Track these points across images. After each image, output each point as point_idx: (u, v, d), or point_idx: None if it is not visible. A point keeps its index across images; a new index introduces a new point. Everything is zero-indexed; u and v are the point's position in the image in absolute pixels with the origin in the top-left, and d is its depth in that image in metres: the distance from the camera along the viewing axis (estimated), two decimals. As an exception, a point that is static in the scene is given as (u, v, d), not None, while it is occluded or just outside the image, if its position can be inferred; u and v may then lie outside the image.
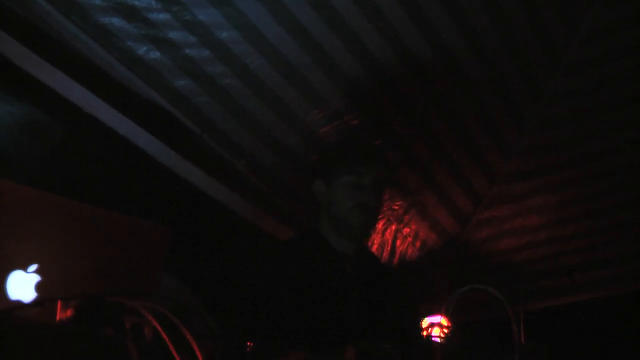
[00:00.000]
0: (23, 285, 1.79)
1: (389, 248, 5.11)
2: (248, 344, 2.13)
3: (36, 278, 1.81)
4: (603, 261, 5.43)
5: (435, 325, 3.90)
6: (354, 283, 2.57)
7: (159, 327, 1.64)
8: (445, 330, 2.54)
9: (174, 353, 1.61)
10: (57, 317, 1.67)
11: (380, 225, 4.91)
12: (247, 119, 3.80)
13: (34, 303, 1.75)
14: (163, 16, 3.20)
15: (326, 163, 2.73)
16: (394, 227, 4.99)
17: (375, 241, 5.00)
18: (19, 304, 1.75)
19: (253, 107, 3.75)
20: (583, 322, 5.84)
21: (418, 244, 5.25)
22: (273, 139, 3.96)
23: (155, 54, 3.36)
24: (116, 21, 3.17)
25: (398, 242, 5.13)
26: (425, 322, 4.68)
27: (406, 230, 5.07)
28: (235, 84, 3.61)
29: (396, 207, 4.82)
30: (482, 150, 4.67)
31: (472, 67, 4.03)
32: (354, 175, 2.60)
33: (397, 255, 5.20)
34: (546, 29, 3.98)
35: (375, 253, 5.08)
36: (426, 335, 3.24)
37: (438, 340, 2.73)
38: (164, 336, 1.62)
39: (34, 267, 1.82)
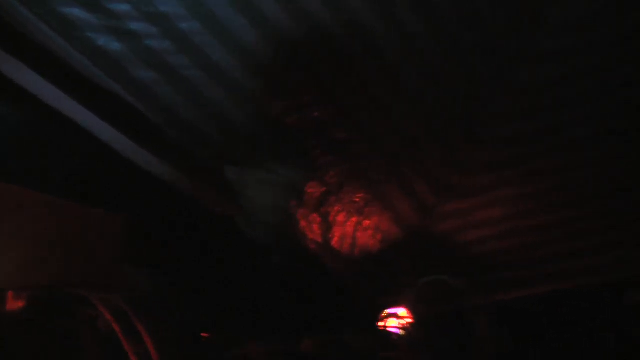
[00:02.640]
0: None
1: (349, 241, 5.12)
2: (203, 335, 2.13)
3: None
4: (569, 253, 5.49)
5: (393, 317, 3.93)
6: (274, 272, 2.54)
7: (112, 319, 1.63)
8: (404, 322, 2.54)
9: (126, 345, 1.61)
10: (7, 307, 1.66)
11: (341, 218, 4.92)
12: (210, 110, 3.78)
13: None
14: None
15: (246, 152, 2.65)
16: (354, 219, 4.99)
17: (336, 234, 5.01)
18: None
19: (215, 98, 3.73)
20: (548, 314, 5.89)
21: (380, 236, 5.27)
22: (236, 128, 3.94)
23: (116, 45, 3.34)
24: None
25: (359, 234, 5.14)
26: (386, 313, 4.71)
27: (367, 222, 5.08)
28: (197, 75, 3.60)
29: (357, 200, 4.83)
30: (448, 140, 4.69)
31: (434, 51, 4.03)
32: (277, 173, 2.57)
33: (358, 248, 5.22)
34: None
35: (336, 245, 5.09)
36: (384, 327, 3.26)
37: (396, 331, 2.74)
38: (117, 328, 1.61)
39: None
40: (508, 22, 3.95)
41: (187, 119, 3.78)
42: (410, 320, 4.49)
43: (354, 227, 5.08)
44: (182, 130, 3.83)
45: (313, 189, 4.58)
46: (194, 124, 3.83)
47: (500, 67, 4.32)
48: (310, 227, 4.86)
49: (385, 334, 2.76)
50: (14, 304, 1.62)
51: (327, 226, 4.95)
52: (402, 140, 4.51)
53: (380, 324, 4.57)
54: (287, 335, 2.15)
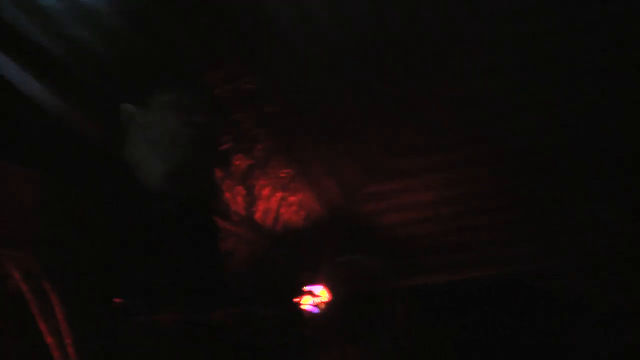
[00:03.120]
0: None
1: (273, 215, 5.11)
2: (116, 300, 2.08)
3: None
4: (485, 242, 5.60)
5: (309, 294, 3.93)
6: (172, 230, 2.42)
7: (19, 278, 1.57)
8: (320, 300, 2.54)
9: (32, 307, 1.55)
10: None
11: (265, 192, 4.90)
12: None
13: None
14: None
15: (142, 82, 2.52)
16: (279, 194, 4.98)
17: (260, 208, 4.98)
18: None
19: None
20: (465, 300, 5.99)
21: (303, 213, 5.27)
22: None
23: None
24: None
25: (283, 210, 5.13)
26: (303, 290, 4.72)
27: (292, 198, 5.07)
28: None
29: (283, 175, 4.81)
30: (375, 123, 4.70)
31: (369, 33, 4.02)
32: (184, 94, 2.49)
33: (281, 223, 5.21)
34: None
35: (259, 219, 5.07)
36: (300, 303, 3.26)
37: (312, 308, 2.74)
38: (24, 288, 1.56)
39: None
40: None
41: (96, 55, 3.60)
42: (326, 299, 4.51)
43: (278, 202, 5.07)
44: (88, 65, 3.65)
45: (239, 161, 4.55)
46: (102, 61, 3.64)
47: (435, 53, 4.34)
48: (235, 199, 4.82)
49: (300, 310, 2.75)
50: None
51: (252, 199, 4.92)
52: (330, 119, 4.50)
53: (296, 300, 4.57)
54: (199, 304, 2.11)
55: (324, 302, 4.20)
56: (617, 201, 3.51)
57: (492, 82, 4.44)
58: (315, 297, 4.59)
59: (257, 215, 5.05)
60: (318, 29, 3.74)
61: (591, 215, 3.28)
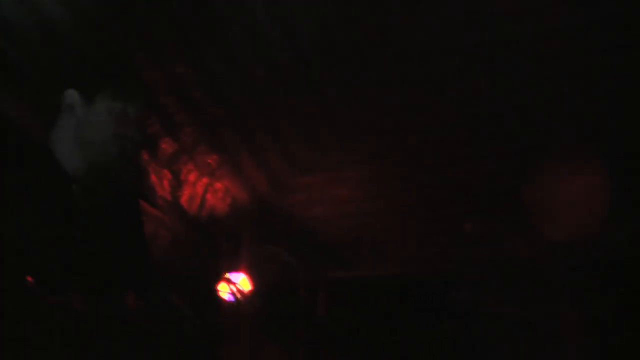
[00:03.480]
0: None
1: (198, 201, 5.10)
2: (28, 279, 2.05)
3: None
4: (405, 239, 5.68)
5: (228, 282, 3.93)
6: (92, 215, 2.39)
7: None
8: (237, 288, 2.55)
9: None
10: None
11: (192, 178, 4.88)
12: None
13: None
14: None
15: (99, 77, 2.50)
16: (205, 180, 4.97)
17: (186, 193, 4.97)
18: None
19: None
20: (382, 295, 6.05)
21: (229, 200, 5.27)
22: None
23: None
24: None
25: (209, 196, 5.12)
26: (223, 277, 4.73)
27: (218, 185, 5.07)
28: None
29: (210, 161, 4.80)
30: (304, 115, 4.72)
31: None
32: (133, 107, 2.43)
33: (206, 209, 5.20)
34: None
35: (184, 205, 5.05)
36: (218, 291, 3.27)
37: (229, 297, 2.75)
38: None
39: None
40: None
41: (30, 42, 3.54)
42: (246, 288, 4.53)
43: (204, 188, 5.05)
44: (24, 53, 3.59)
45: (167, 145, 4.52)
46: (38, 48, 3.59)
47: (361, 41, 4.38)
48: (161, 183, 4.80)
49: (218, 298, 2.76)
50: None
51: (177, 184, 4.90)
52: (259, 110, 4.51)
53: (216, 287, 4.58)
54: (112, 288, 2.10)
55: (243, 291, 4.21)
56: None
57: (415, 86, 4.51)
58: (234, 286, 4.60)
59: (183, 200, 5.03)
60: (252, 21, 3.74)
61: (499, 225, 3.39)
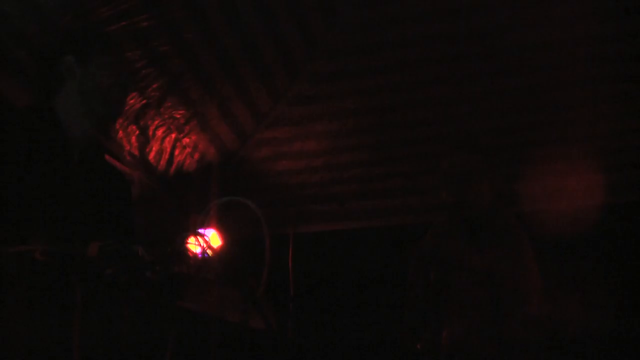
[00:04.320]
0: None
1: (167, 157, 5.08)
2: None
3: None
4: (373, 192, 5.70)
5: (196, 235, 3.93)
6: (79, 173, 2.54)
7: None
8: (205, 243, 2.56)
9: None
10: None
11: (159, 133, 4.86)
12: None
13: None
14: None
15: (87, 40, 2.66)
16: (173, 135, 4.95)
17: (154, 148, 4.95)
18: None
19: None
20: (349, 249, 6.07)
21: (197, 155, 5.26)
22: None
23: None
24: None
25: (177, 152, 5.11)
26: (192, 232, 4.72)
27: (186, 140, 5.05)
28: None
29: (178, 116, 4.78)
30: (270, 69, 4.72)
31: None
32: (118, 58, 2.65)
33: (174, 165, 5.19)
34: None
35: (152, 160, 5.04)
36: (185, 245, 3.27)
37: (196, 249, 2.76)
38: None
39: None
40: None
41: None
42: (214, 242, 4.54)
43: (172, 143, 5.04)
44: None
45: (134, 100, 4.49)
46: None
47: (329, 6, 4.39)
48: (129, 138, 4.77)
49: (184, 250, 2.76)
50: None
51: (145, 139, 4.88)
52: (224, 63, 4.49)
53: (183, 241, 4.58)
54: (73, 237, 2.12)
55: (211, 245, 4.22)
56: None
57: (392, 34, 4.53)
58: (204, 240, 4.60)
59: (151, 156, 5.01)
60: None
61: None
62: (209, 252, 2.60)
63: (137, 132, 4.77)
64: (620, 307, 5.03)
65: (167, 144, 5.01)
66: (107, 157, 2.87)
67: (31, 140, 2.40)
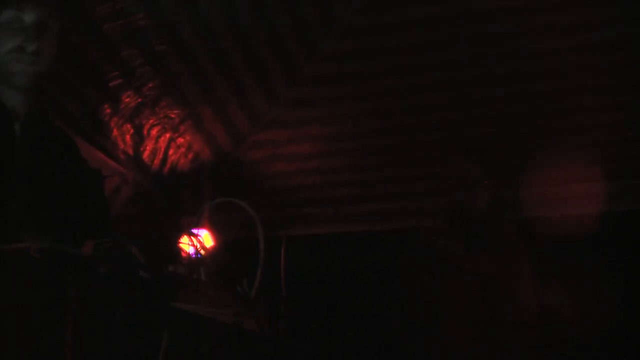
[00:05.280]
0: None
1: (161, 156, 5.07)
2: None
3: None
4: (368, 196, 5.70)
5: (189, 235, 3.92)
6: (25, 150, 2.34)
7: None
8: (198, 243, 2.55)
9: None
10: None
11: (154, 132, 4.85)
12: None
13: None
14: None
15: None
16: (168, 135, 4.94)
17: (148, 147, 4.94)
18: None
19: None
20: (343, 252, 6.06)
21: (191, 155, 5.25)
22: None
23: None
24: None
25: (171, 152, 5.10)
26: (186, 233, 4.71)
27: (180, 140, 5.04)
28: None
29: (173, 116, 4.77)
30: (266, 71, 4.71)
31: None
32: (13, 12, 2.29)
33: (168, 164, 5.18)
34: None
35: (146, 159, 5.03)
36: (178, 245, 3.25)
37: (189, 250, 2.75)
38: None
39: None
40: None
41: None
42: (207, 243, 4.54)
43: (166, 142, 5.03)
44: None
45: (129, 99, 4.49)
46: None
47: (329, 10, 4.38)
48: (123, 137, 4.77)
49: (177, 250, 2.75)
50: None
51: (140, 138, 4.87)
52: (221, 64, 4.48)
53: (176, 241, 4.57)
54: (67, 235, 2.10)
55: (204, 246, 4.21)
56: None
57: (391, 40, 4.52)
58: (197, 240, 4.59)
59: (145, 155, 5.00)
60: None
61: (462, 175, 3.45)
62: (202, 252, 2.59)
63: (132, 131, 4.76)
64: (622, 310, 5.05)
65: (162, 144, 5.00)
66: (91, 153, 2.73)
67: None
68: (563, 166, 5.02)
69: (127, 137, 4.79)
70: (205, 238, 4.92)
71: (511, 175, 4.83)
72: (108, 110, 4.52)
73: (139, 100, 4.51)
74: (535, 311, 3.45)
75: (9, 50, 2.26)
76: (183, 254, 2.60)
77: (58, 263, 1.73)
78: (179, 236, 2.64)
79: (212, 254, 3.53)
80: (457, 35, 4.39)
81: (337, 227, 5.88)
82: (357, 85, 4.85)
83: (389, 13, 4.38)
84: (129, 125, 4.71)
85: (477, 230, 3.47)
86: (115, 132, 4.69)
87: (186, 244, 2.61)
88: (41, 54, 2.29)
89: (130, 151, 4.90)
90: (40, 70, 2.32)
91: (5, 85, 2.29)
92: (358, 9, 4.40)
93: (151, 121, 4.76)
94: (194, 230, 4.57)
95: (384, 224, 5.79)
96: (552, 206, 5.25)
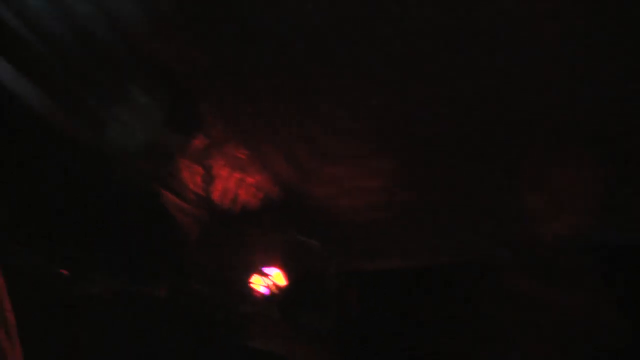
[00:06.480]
0: None
1: (231, 196, 5.14)
2: (63, 272, 2.11)
3: None
4: (436, 229, 5.67)
5: (263, 275, 3.97)
6: (128, 207, 2.48)
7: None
8: (270, 281, 2.57)
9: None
10: None
11: (223, 172, 4.92)
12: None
13: None
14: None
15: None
16: (237, 175, 5.01)
17: (218, 188, 5.01)
18: None
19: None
20: (411, 287, 6.03)
21: (260, 194, 5.30)
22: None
23: None
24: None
25: (241, 191, 5.16)
26: (257, 271, 4.76)
27: (249, 179, 5.11)
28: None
29: (241, 156, 4.84)
30: (327, 107, 4.74)
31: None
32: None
33: (238, 204, 5.24)
34: None
35: (217, 199, 5.10)
36: (252, 283, 3.29)
37: (264, 289, 2.78)
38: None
39: None
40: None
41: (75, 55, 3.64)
42: (279, 281, 4.57)
43: (236, 182, 5.09)
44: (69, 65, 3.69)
45: (198, 141, 4.57)
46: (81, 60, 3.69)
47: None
48: (193, 178, 4.85)
49: (249, 289, 2.78)
50: None
51: (209, 179, 4.95)
52: (283, 102, 4.52)
53: (249, 280, 4.62)
54: (143, 278, 2.15)
55: (276, 284, 4.25)
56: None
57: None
58: (268, 279, 4.64)
59: (215, 195, 5.07)
60: (275, 20, 3.75)
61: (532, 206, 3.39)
62: (274, 290, 2.61)
63: (201, 172, 4.84)
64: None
65: (231, 183, 5.07)
66: (162, 194, 2.86)
67: (82, 172, 2.38)
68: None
69: (197, 178, 4.87)
70: (277, 276, 4.96)
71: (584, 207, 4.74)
72: (178, 153, 4.61)
73: (207, 142, 4.59)
74: (611, 343, 3.37)
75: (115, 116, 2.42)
76: (255, 293, 2.62)
77: (132, 305, 1.77)
78: (250, 275, 2.67)
79: (284, 291, 3.56)
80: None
81: (404, 261, 5.85)
82: (423, 116, 4.82)
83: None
84: (198, 167, 4.79)
85: (551, 262, 3.42)
86: (184, 174, 4.77)
87: (258, 283, 2.64)
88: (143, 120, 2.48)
89: (201, 192, 4.98)
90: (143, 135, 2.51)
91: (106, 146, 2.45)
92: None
93: (220, 162, 4.83)
94: (265, 269, 4.64)
95: (452, 256, 5.73)
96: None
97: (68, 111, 3.72)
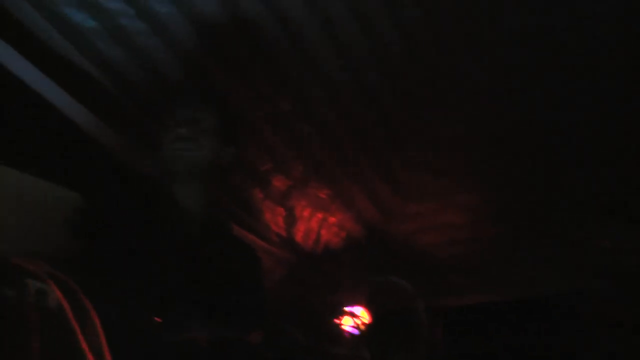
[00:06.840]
0: None
1: (314, 236, 5.14)
2: (156, 319, 2.11)
3: None
4: (522, 262, 5.55)
5: (349, 315, 3.93)
6: (200, 248, 2.46)
7: (60, 295, 1.59)
8: (358, 321, 2.54)
9: (74, 323, 1.57)
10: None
11: (306, 213, 4.92)
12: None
13: None
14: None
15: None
16: (320, 215, 5.01)
17: (301, 228, 5.02)
18: None
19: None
20: (499, 322, 5.94)
21: (343, 234, 5.29)
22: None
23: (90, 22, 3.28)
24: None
25: (323, 231, 5.16)
26: (343, 311, 4.73)
27: (332, 219, 5.10)
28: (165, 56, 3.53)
29: (323, 196, 4.84)
30: (408, 143, 4.70)
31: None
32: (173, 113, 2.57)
33: (321, 244, 5.23)
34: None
35: (300, 240, 5.10)
36: (339, 324, 3.26)
37: (351, 329, 2.74)
38: (65, 305, 1.57)
39: None
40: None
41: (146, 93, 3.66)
42: (366, 320, 4.51)
43: (319, 223, 5.09)
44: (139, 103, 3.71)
45: (279, 182, 4.59)
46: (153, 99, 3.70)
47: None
48: (275, 220, 4.86)
49: (338, 330, 2.75)
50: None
51: (292, 220, 4.95)
52: (363, 142, 4.49)
53: (336, 321, 4.58)
54: (234, 324, 2.13)
55: (364, 323, 4.21)
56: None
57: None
58: (355, 318, 4.59)
59: (298, 236, 5.08)
60: (347, 53, 3.74)
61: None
62: (362, 330, 2.57)
63: (284, 213, 4.85)
64: None
65: (314, 224, 5.07)
66: (232, 230, 2.84)
67: (148, 211, 2.39)
68: None
69: (279, 219, 4.88)
70: (364, 316, 4.91)
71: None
72: (260, 195, 4.63)
73: (289, 183, 4.60)
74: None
75: (169, 141, 2.43)
76: (345, 334, 2.58)
77: (227, 352, 1.75)
78: (337, 316, 2.63)
79: (372, 331, 3.51)
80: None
81: (490, 295, 5.76)
82: (503, 149, 4.74)
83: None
84: (280, 208, 4.80)
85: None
86: (267, 215, 4.79)
87: (347, 324, 2.61)
88: (196, 140, 2.46)
89: (284, 233, 4.99)
90: (198, 158, 2.49)
91: (173, 180, 2.45)
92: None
93: (302, 203, 4.84)
94: (352, 309, 4.59)
95: (538, 289, 5.63)
96: None
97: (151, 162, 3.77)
